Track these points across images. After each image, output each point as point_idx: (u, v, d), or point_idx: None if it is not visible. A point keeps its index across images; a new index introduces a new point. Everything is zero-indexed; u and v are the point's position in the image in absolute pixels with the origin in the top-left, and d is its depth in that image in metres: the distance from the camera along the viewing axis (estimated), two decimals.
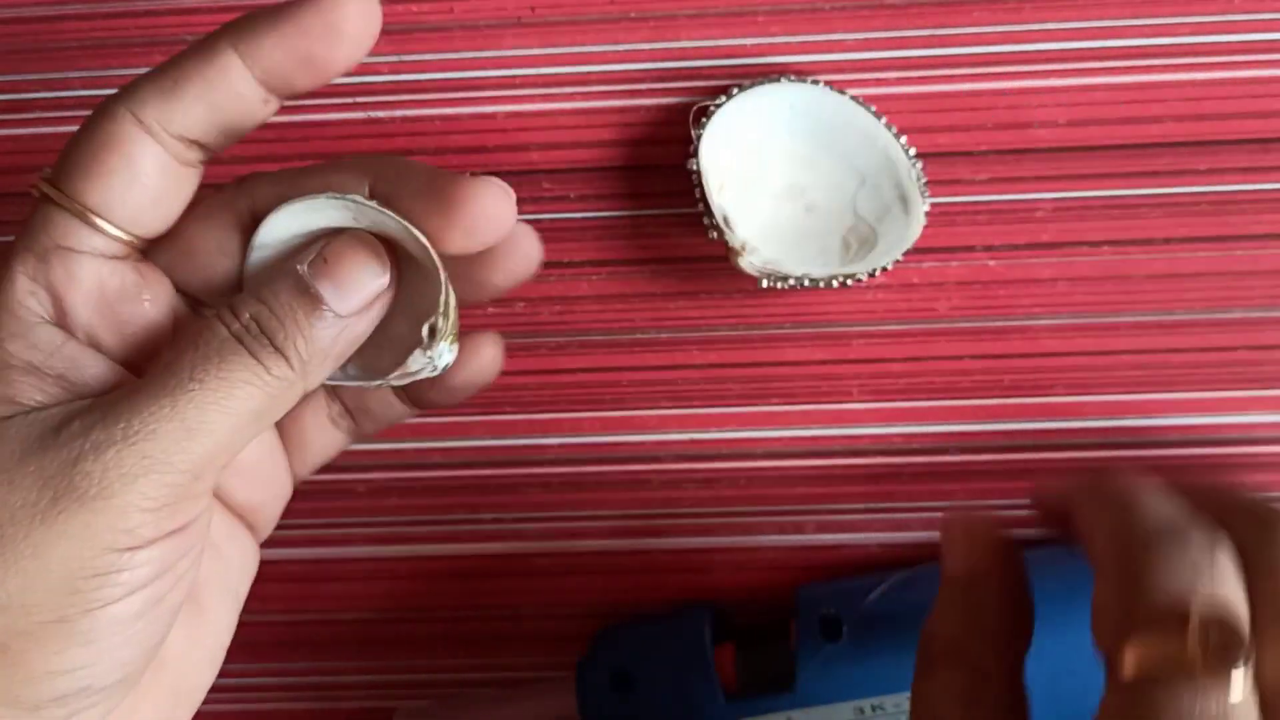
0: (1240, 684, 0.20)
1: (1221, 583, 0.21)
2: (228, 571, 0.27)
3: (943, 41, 0.34)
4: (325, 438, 0.29)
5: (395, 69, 0.35)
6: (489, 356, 0.28)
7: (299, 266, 0.24)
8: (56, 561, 0.21)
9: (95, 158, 0.23)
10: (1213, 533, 0.23)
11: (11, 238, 0.35)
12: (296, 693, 0.39)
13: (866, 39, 0.34)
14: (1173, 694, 0.20)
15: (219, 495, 0.27)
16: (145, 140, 0.23)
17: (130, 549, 0.22)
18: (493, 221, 0.24)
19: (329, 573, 0.38)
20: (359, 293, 0.24)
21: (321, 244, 0.24)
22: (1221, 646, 0.20)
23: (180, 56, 0.24)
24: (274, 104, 0.24)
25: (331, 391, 0.29)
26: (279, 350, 0.23)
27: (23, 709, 0.22)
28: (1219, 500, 0.25)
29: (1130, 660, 0.21)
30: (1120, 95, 0.34)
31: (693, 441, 0.36)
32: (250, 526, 0.28)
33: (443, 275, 0.24)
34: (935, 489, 0.36)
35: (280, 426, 0.28)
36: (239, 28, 0.23)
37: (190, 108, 0.23)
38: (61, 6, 0.35)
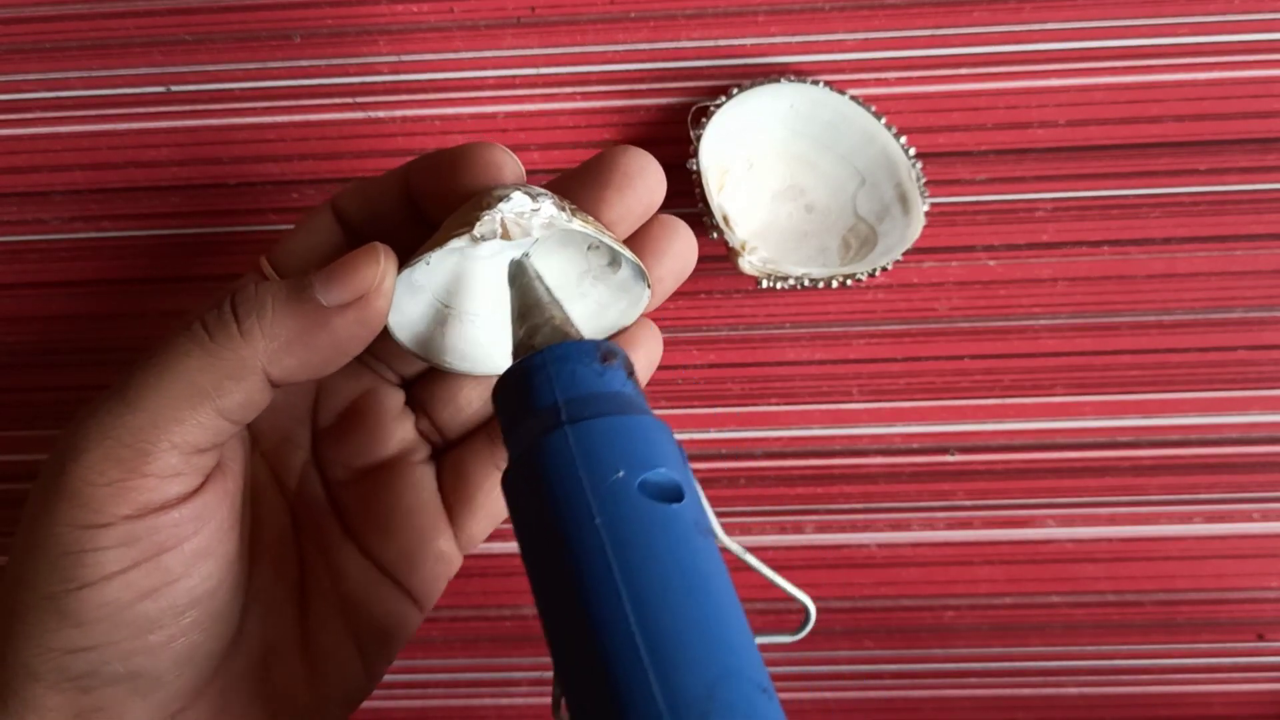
0: None
1: None
2: (358, 628, 0.27)
3: (943, 41, 0.34)
4: (494, 489, 0.28)
5: (395, 69, 0.35)
6: (654, 336, 0.29)
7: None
8: (42, 538, 0.23)
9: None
10: None
11: (14, 237, 0.36)
12: None
13: (866, 39, 0.34)
14: None
15: (366, 548, 0.27)
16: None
17: (94, 526, 0.22)
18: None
19: None
20: (345, 286, 0.24)
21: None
22: None
23: None
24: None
25: (492, 435, 0.28)
26: (236, 320, 0.24)
27: (42, 685, 0.23)
28: None
29: None
30: (1120, 95, 0.34)
31: (693, 441, 0.36)
32: (404, 591, 0.28)
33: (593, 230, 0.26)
34: (935, 489, 0.36)
35: (441, 482, 0.28)
36: None
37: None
38: (61, 6, 0.35)
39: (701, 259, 0.35)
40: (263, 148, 0.35)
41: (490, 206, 0.24)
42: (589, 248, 0.27)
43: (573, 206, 0.26)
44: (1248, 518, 0.36)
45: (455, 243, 0.24)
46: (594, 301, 0.28)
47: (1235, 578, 0.36)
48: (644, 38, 0.34)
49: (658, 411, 0.36)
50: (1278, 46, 0.34)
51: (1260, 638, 0.37)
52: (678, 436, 0.36)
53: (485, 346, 0.28)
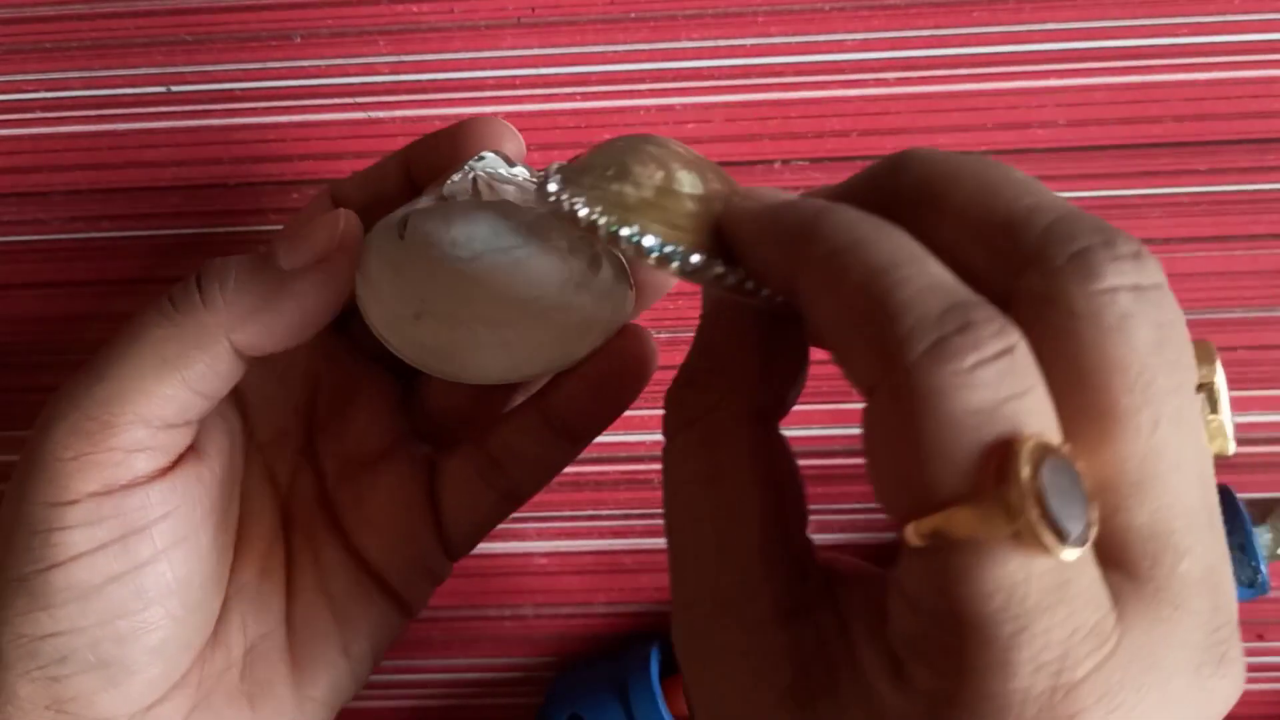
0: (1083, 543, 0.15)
1: (1036, 406, 0.15)
2: (344, 628, 0.27)
3: (943, 42, 0.34)
4: (476, 498, 0.28)
5: (395, 69, 0.35)
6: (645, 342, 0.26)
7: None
8: (15, 517, 0.23)
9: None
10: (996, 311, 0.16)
11: (14, 237, 0.36)
12: None
13: (866, 39, 0.34)
14: (992, 562, 0.15)
15: (355, 547, 0.27)
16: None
17: (61, 503, 0.22)
18: None
19: None
20: (304, 249, 0.24)
21: None
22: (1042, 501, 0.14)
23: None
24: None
25: (478, 444, 0.28)
26: (200, 289, 0.24)
27: (13, 673, 0.23)
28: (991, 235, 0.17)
29: (925, 525, 0.15)
30: (1120, 95, 0.34)
31: None
32: (391, 594, 0.28)
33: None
34: None
35: (431, 488, 0.28)
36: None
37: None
38: (61, 6, 0.35)
39: None
40: (263, 148, 0.35)
41: (465, 168, 0.23)
42: (570, 250, 0.26)
43: None
44: None
45: (423, 200, 0.23)
46: (577, 314, 0.26)
47: None
48: (644, 38, 0.34)
49: (658, 411, 0.36)
50: (1278, 46, 0.34)
51: (1260, 638, 0.37)
52: None
53: (448, 348, 0.27)
